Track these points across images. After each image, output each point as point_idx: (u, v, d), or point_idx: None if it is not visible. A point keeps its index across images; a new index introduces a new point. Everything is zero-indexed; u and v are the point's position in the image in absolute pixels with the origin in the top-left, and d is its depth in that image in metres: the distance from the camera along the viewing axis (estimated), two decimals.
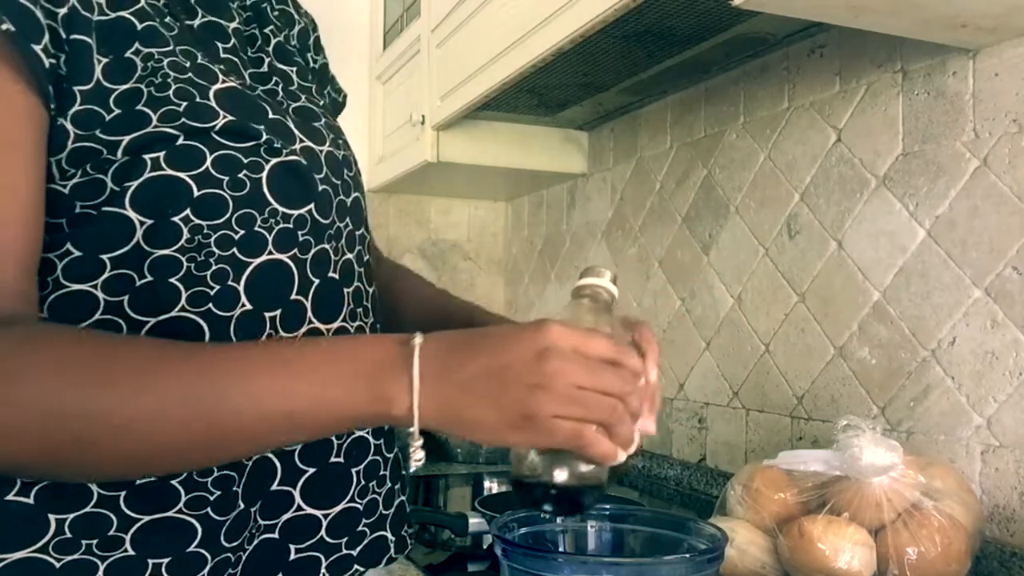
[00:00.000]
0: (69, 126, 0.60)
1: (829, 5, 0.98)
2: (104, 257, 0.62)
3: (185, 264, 0.63)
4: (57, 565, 0.60)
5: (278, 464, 0.68)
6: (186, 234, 0.62)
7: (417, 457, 0.61)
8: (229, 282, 0.64)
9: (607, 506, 0.79)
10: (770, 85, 1.42)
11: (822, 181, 1.31)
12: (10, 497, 0.60)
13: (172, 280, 0.62)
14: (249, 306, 0.65)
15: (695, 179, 1.60)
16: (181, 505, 0.63)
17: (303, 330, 0.68)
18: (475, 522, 1.16)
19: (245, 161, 0.65)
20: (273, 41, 0.79)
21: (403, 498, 0.81)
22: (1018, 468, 1.03)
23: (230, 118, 0.64)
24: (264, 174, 0.65)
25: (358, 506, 0.73)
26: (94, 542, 0.61)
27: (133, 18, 0.63)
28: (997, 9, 0.97)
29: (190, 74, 0.64)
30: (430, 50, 1.80)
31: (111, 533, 0.61)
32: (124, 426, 0.54)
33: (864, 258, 1.24)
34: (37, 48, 0.57)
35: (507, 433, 0.57)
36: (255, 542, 0.68)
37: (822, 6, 0.99)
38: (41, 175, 0.60)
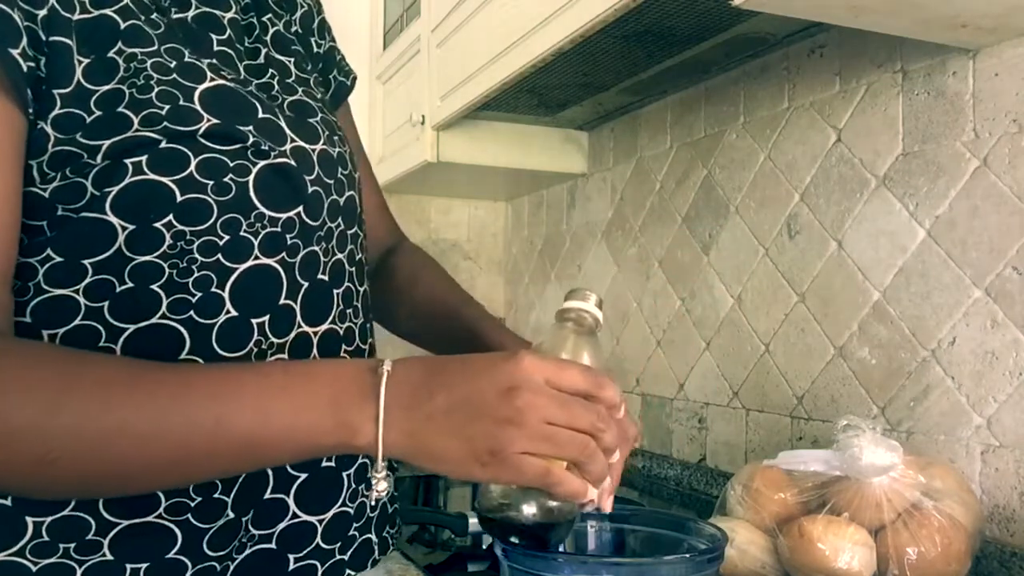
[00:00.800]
0: (49, 129, 0.58)
1: (829, 5, 0.98)
2: (85, 262, 0.61)
3: (167, 271, 0.61)
4: (34, 568, 0.59)
5: (270, 472, 0.66)
6: (168, 240, 0.61)
7: (380, 488, 0.58)
8: (212, 289, 0.63)
9: None
10: (770, 85, 1.42)
11: (822, 181, 1.31)
12: None
13: (153, 287, 0.61)
14: (235, 312, 0.64)
15: (695, 179, 1.60)
16: (161, 510, 0.62)
17: (292, 334, 0.67)
18: (475, 522, 1.16)
19: (231, 164, 0.63)
20: (271, 30, 0.77)
21: (386, 499, 0.79)
22: (1018, 468, 1.03)
23: (215, 121, 0.62)
24: (251, 178, 0.64)
25: (349, 510, 0.72)
26: (72, 546, 0.60)
27: (116, 16, 0.62)
28: (997, 9, 0.97)
29: (175, 75, 0.62)
30: (430, 50, 1.80)
31: (89, 537, 0.60)
32: (89, 445, 0.53)
33: (864, 258, 1.24)
34: (15, 52, 0.56)
35: (473, 468, 0.55)
36: (246, 552, 0.66)
37: (822, 6, 0.99)
38: (18, 182, 0.58)
